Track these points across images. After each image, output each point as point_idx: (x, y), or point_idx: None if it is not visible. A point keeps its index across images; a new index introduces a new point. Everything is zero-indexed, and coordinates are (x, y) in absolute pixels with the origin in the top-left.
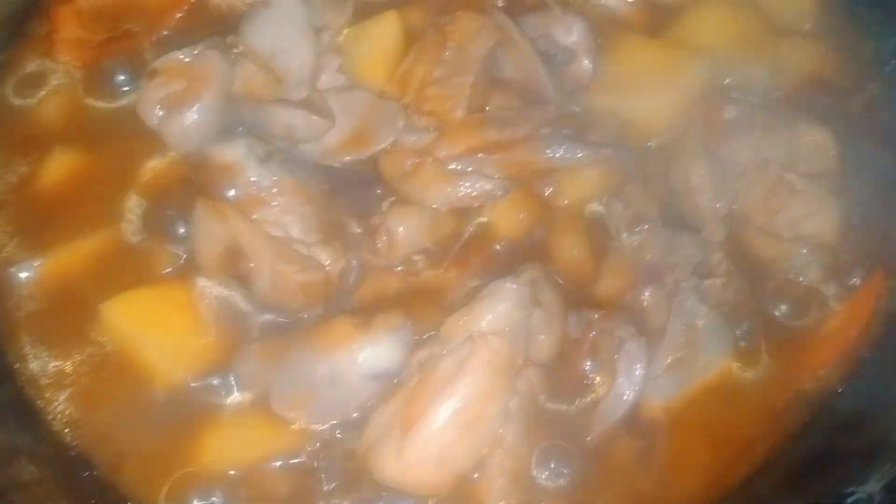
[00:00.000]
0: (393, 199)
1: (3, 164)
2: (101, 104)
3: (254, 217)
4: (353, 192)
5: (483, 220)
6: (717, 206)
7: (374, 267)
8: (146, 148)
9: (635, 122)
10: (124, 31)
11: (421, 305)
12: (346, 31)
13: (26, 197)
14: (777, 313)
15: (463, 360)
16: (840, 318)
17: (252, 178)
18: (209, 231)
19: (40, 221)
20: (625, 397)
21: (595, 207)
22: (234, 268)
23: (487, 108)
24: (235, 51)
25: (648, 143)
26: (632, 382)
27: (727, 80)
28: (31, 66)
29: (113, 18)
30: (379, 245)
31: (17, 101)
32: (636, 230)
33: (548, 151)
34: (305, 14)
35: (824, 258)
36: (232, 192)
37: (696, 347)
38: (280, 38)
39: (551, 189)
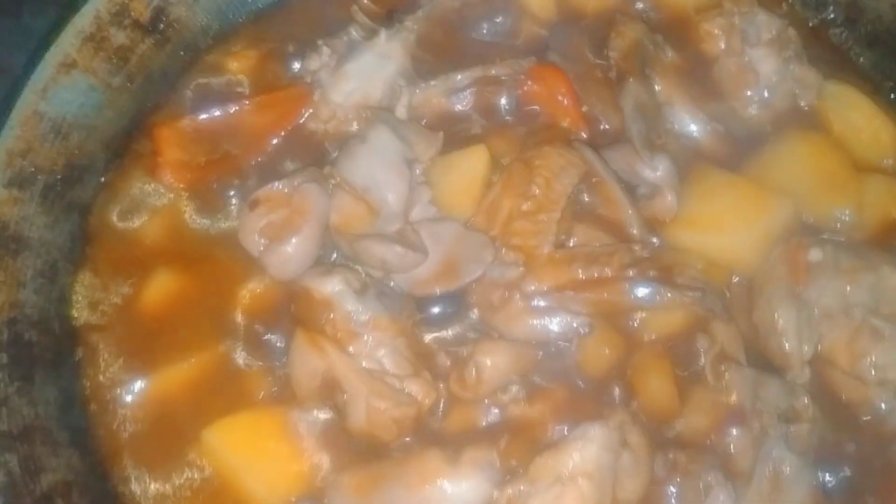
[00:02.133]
0: (481, 331)
1: (107, 286)
2: (202, 226)
3: (349, 350)
4: (442, 324)
5: (569, 355)
6: (804, 349)
7: (463, 399)
8: (246, 272)
9: (719, 261)
10: (224, 153)
11: (508, 440)
12: (434, 162)
13: (130, 318)
14: (862, 458)
15: (552, 502)
16: None
17: (349, 313)
18: (306, 363)
19: (143, 343)
20: None
21: (680, 345)
22: (330, 398)
23: (573, 241)
24: (332, 182)
25: (733, 280)
26: None
27: (810, 219)
28: (135, 186)
29: (212, 141)
30: (467, 378)
31: (122, 223)
32: (721, 370)
33: (634, 293)
34: (399, 149)
35: None
36: (329, 326)
37: (781, 493)
38: (375, 172)
39: (637, 325)
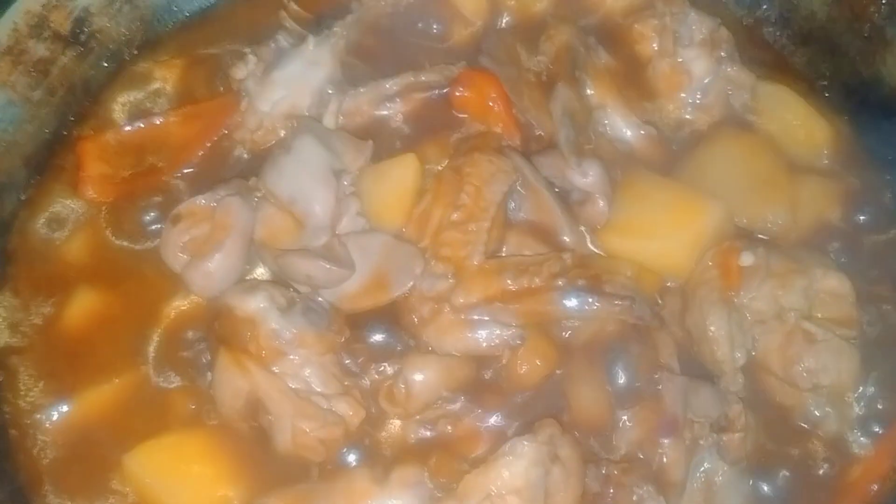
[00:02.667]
0: (411, 345)
1: (27, 305)
2: (125, 242)
3: (274, 369)
4: (371, 339)
5: (499, 367)
6: (736, 356)
7: (393, 416)
8: (169, 288)
9: (651, 266)
10: (149, 166)
11: (439, 457)
12: (364, 170)
13: (51, 339)
14: (797, 463)
15: None
16: (862, 467)
17: (273, 330)
18: (230, 383)
19: (65, 365)
20: None
21: (613, 354)
22: (255, 419)
23: (504, 250)
24: (257, 194)
25: (667, 285)
26: None
27: (743, 222)
28: (58, 202)
29: (137, 153)
30: (396, 394)
31: (43, 240)
32: (654, 378)
33: (563, 303)
34: (326, 158)
35: (844, 409)
36: (253, 344)
37: (714, 502)
38: (300, 183)
39: (569, 334)
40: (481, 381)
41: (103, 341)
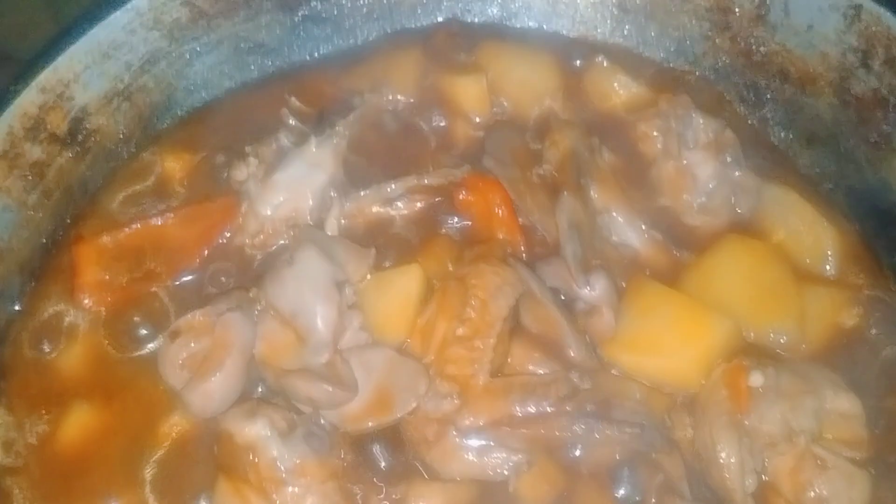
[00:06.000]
0: (417, 466)
1: (21, 424)
2: (122, 354)
3: (274, 499)
4: (375, 460)
5: (507, 492)
6: (747, 483)
7: None
8: (167, 403)
9: (659, 383)
10: (147, 271)
11: None
12: (367, 279)
13: (46, 459)
14: None
15: None
16: None
17: (273, 459)
18: None
19: (60, 486)
20: None
21: (622, 478)
22: None
23: (509, 360)
24: (258, 307)
25: (677, 400)
26: None
27: (751, 335)
28: (52, 311)
29: (135, 257)
30: None
31: (37, 353)
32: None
33: (572, 430)
34: (328, 272)
35: None
36: (253, 472)
37: None
38: (303, 296)
39: (577, 457)
40: None
41: (100, 461)
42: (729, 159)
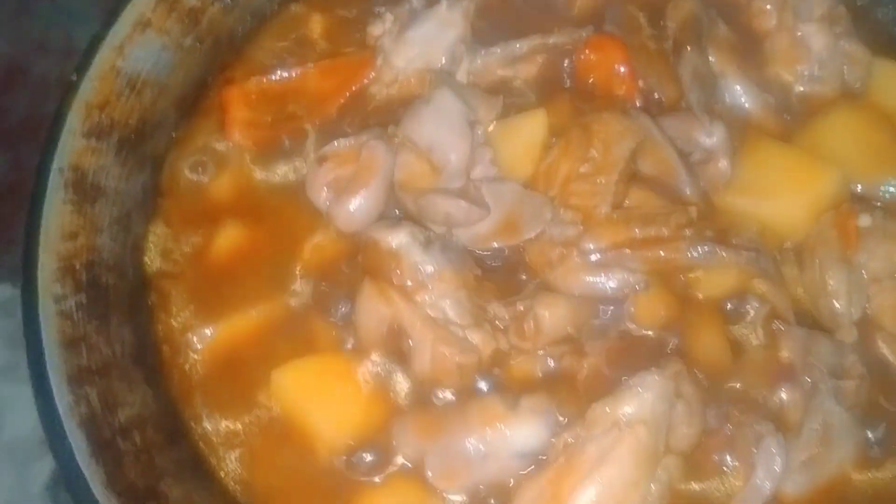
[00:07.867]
0: (538, 285)
1: (178, 236)
2: (268, 181)
3: (416, 299)
4: (500, 278)
5: (624, 311)
6: (852, 310)
7: (521, 350)
8: (311, 224)
9: (770, 226)
10: (289, 113)
11: (564, 389)
12: (494, 125)
13: (200, 267)
14: None
15: (609, 447)
16: None
17: (415, 263)
18: (374, 311)
19: (212, 291)
20: (763, 490)
21: (732, 304)
22: (395, 345)
23: (627, 202)
24: (396, 140)
25: (784, 245)
26: (771, 476)
27: (859, 188)
28: (205, 142)
29: (278, 102)
30: (526, 329)
31: (192, 177)
32: (772, 328)
33: (691, 252)
34: (462, 111)
35: None
36: (396, 276)
37: (829, 446)
38: (438, 132)
39: (690, 285)
40: (606, 322)
41: (248, 272)
42: (841, 31)
